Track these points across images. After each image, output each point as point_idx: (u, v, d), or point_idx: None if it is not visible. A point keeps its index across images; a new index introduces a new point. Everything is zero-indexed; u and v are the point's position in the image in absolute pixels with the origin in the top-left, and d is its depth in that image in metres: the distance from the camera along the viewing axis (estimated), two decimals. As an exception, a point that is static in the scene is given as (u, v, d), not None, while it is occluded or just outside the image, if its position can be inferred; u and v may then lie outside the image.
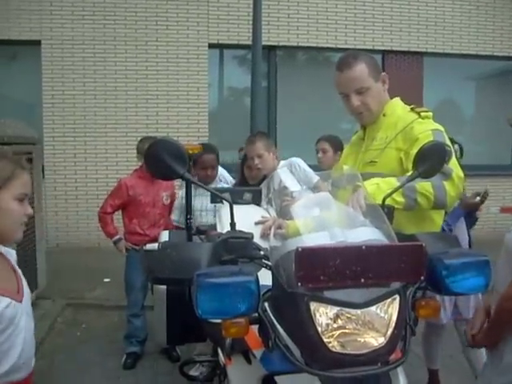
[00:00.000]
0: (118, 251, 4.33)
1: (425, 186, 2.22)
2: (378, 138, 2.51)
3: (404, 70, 8.83)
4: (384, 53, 8.82)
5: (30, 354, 1.71)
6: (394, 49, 8.86)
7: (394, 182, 2.11)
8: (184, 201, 3.89)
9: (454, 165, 2.34)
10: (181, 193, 4.03)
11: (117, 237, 4.27)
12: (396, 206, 2.14)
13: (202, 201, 3.82)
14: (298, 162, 3.50)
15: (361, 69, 2.51)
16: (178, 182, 4.27)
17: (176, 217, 4.05)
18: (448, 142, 2.39)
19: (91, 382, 3.89)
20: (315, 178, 3.19)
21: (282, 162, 3.60)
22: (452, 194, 2.28)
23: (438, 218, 2.54)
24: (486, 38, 9.23)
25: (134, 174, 4.38)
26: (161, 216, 4.27)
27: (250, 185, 3.90)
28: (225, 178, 4.58)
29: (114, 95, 8.06)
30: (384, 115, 2.54)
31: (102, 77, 8.02)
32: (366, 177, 2.18)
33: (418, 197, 2.23)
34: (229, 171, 4.77)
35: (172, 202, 4.28)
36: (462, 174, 2.34)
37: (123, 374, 4.07)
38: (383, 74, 2.55)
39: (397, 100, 2.63)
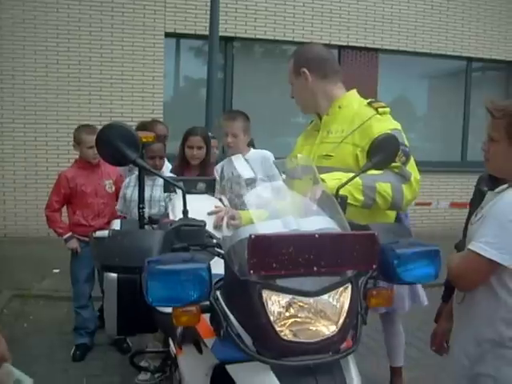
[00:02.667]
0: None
1: (384, 187, 2.25)
2: (333, 131, 2.51)
3: (359, 66, 8.93)
4: (340, 48, 8.89)
5: None
6: (351, 44, 8.94)
7: (356, 179, 2.12)
8: (127, 190, 3.85)
9: (412, 167, 2.37)
10: (125, 182, 3.95)
11: (68, 234, 4.13)
12: (354, 203, 2.17)
13: (145, 191, 3.72)
14: (271, 157, 3.43)
15: (290, 63, 2.62)
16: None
17: (120, 206, 3.96)
18: (406, 142, 2.42)
19: (39, 374, 3.76)
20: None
21: (253, 151, 3.56)
22: (409, 197, 2.33)
23: (392, 212, 2.58)
24: (439, 37, 9.43)
25: (73, 165, 4.29)
26: (105, 205, 4.17)
27: (191, 165, 3.93)
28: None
29: (67, 82, 7.84)
30: (339, 107, 2.54)
31: (54, 63, 7.79)
32: (322, 171, 2.19)
33: (377, 197, 2.26)
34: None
35: (117, 190, 4.19)
36: (419, 177, 2.38)
37: (72, 366, 3.99)
38: (302, 70, 2.55)
39: (353, 92, 2.63)
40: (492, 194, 2.02)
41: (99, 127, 1.86)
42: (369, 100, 2.56)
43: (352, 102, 2.57)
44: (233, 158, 1.89)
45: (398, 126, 2.45)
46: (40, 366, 3.90)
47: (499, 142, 1.89)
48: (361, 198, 2.21)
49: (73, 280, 4.24)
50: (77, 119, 7.66)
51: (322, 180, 1.97)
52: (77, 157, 4.29)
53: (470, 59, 9.82)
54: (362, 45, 9.03)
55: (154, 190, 3.73)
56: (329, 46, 8.53)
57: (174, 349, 2.22)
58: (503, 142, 1.87)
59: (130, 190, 3.80)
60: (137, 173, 3.73)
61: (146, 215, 2.97)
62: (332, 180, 2.12)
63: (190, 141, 3.92)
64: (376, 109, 2.46)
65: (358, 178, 2.13)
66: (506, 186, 1.97)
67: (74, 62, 7.86)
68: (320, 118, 2.65)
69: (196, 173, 3.89)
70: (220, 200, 2.64)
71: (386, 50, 9.17)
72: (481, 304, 1.92)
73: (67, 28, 7.79)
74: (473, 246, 1.84)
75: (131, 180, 3.88)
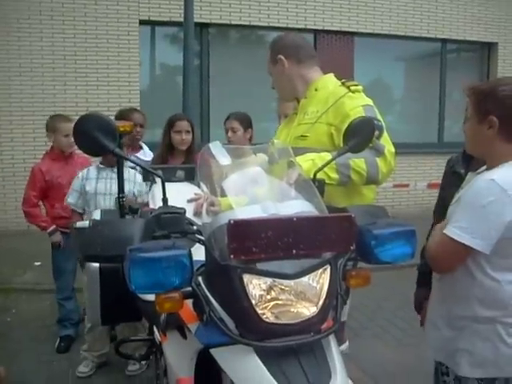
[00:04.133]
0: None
1: (358, 162, 2.28)
2: (309, 113, 2.55)
3: (335, 50, 8.95)
4: (316, 32, 8.89)
5: None
6: (326, 28, 8.94)
7: (328, 157, 2.14)
8: (86, 182, 3.66)
9: (385, 140, 2.40)
10: (81, 174, 3.73)
11: (51, 228, 4.06)
12: (329, 182, 2.20)
13: (106, 184, 3.64)
14: None
15: (268, 53, 2.69)
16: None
17: (73, 199, 3.71)
18: (379, 117, 2.45)
19: (24, 367, 3.79)
20: None
21: None
22: (384, 170, 2.35)
23: (370, 193, 2.61)
24: (413, 19, 9.47)
25: (45, 158, 4.20)
26: None
27: (175, 152, 3.90)
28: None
29: (41, 72, 7.74)
30: (316, 90, 2.58)
31: (28, 53, 7.68)
32: (298, 152, 2.22)
33: (352, 173, 2.29)
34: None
35: None
36: (393, 150, 2.40)
37: (57, 358, 4.00)
38: (278, 57, 2.62)
39: (330, 76, 2.67)
40: (472, 175, 2.05)
41: (75, 117, 1.85)
42: (342, 80, 2.60)
43: (327, 83, 2.61)
44: (210, 145, 1.90)
45: (369, 101, 2.49)
46: (25, 359, 3.91)
47: (471, 120, 1.93)
48: (335, 176, 2.24)
49: (56, 273, 4.22)
50: (52, 110, 7.56)
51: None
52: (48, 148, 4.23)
53: (444, 41, 9.90)
54: (338, 28, 9.03)
55: (110, 182, 3.63)
56: (304, 30, 8.54)
57: (158, 336, 2.24)
58: (473, 118, 1.91)
59: (93, 183, 3.65)
60: (95, 164, 3.70)
61: (106, 207, 2.93)
62: (305, 162, 2.16)
63: (178, 126, 3.86)
64: (348, 87, 2.50)
65: (331, 156, 2.15)
66: (485, 167, 2.01)
67: (48, 52, 7.75)
68: (299, 103, 2.69)
69: (181, 159, 3.85)
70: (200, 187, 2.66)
71: (362, 34, 9.19)
72: (458, 282, 1.96)
73: (39, 18, 7.67)
74: (447, 230, 1.87)
75: (90, 172, 3.71)
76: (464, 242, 1.82)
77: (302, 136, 2.50)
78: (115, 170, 3.60)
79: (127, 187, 3.45)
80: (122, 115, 4.20)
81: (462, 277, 1.94)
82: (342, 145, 2.17)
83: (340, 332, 3.80)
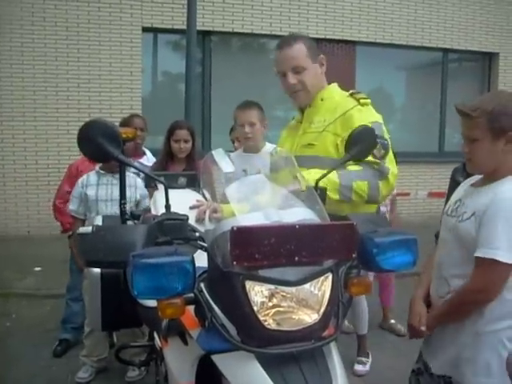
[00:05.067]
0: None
1: (361, 185, 2.30)
2: (315, 121, 2.55)
3: (337, 59, 8.97)
4: (318, 41, 8.91)
5: None
6: (328, 37, 8.98)
7: (334, 178, 2.19)
8: (86, 189, 3.65)
9: (390, 161, 2.41)
10: (81, 181, 3.72)
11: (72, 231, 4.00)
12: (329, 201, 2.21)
13: (107, 190, 3.64)
14: None
15: (299, 48, 2.56)
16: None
17: (74, 206, 3.72)
18: (386, 136, 2.45)
19: (22, 372, 3.79)
20: None
21: (269, 145, 3.39)
22: (384, 193, 2.39)
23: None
24: (415, 29, 9.51)
25: (83, 158, 4.19)
26: None
27: (176, 159, 3.90)
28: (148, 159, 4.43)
29: (44, 78, 7.77)
30: (322, 99, 2.58)
31: (31, 59, 7.71)
32: (303, 160, 2.24)
33: (353, 195, 2.31)
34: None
35: None
36: (396, 171, 2.43)
37: (56, 364, 3.99)
38: (321, 56, 2.60)
39: (334, 85, 2.68)
40: (469, 187, 2.04)
41: (79, 124, 1.86)
42: (350, 91, 2.61)
43: (333, 93, 2.62)
44: (213, 152, 1.91)
45: (379, 118, 2.49)
46: (24, 364, 3.91)
47: (482, 140, 1.91)
48: (336, 197, 2.26)
49: (70, 272, 4.17)
50: (55, 116, 7.65)
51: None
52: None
53: (446, 50, 9.94)
54: (339, 37, 9.08)
55: (111, 188, 3.64)
56: (306, 39, 8.58)
57: (159, 342, 2.24)
58: (486, 138, 1.89)
59: (94, 189, 3.64)
60: (94, 171, 3.69)
61: (107, 213, 2.91)
62: (310, 176, 2.17)
63: (177, 134, 3.87)
64: (358, 100, 2.50)
65: (336, 178, 2.20)
66: (479, 177, 2.01)
67: (51, 58, 7.78)
68: (302, 112, 2.69)
69: (182, 167, 3.85)
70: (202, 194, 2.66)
71: (363, 43, 9.23)
72: None
73: (43, 24, 7.71)
74: (486, 253, 1.85)
75: (90, 178, 3.70)
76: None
77: (309, 144, 2.51)
78: (116, 175, 3.61)
79: (129, 193, 3.46)
80: (125, 123, 4.22)
81: None
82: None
83: (362, 346, 3.88)
